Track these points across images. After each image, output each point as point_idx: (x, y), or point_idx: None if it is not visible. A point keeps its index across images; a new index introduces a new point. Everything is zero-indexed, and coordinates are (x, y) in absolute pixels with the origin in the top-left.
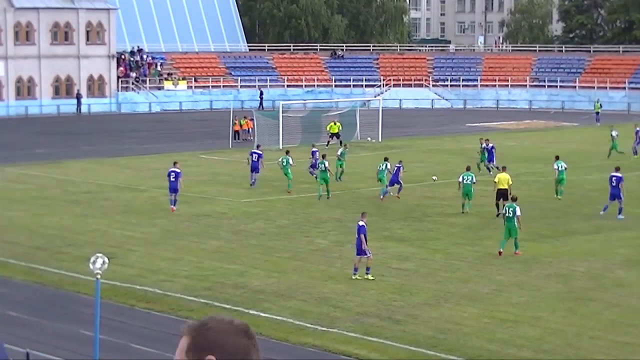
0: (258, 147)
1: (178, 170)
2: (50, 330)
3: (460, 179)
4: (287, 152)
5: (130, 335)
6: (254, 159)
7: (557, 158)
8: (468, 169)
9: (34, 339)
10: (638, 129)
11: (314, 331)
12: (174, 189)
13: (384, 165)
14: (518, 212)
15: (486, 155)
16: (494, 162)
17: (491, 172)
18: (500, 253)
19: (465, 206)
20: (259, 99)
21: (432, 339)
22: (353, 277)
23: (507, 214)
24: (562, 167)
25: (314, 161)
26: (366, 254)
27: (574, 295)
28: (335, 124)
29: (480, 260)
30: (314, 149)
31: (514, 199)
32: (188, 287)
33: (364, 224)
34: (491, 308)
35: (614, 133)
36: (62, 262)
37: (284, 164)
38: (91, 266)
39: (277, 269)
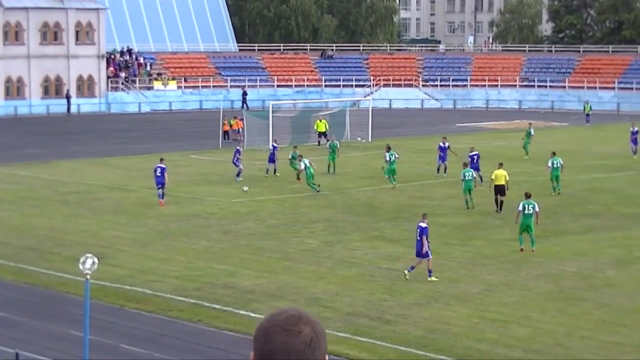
0: (275, 141)
1: (163, 166)
2: (40, 330)
3: (462, 177)
4: (295, 147)
5: (120, 336)
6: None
7: (553, 154)
8: (465, 165)
9: (24, 340)
10: (636, 129)
11: None
12: (160, 183)
13: (392, 155)
14: (537, 209)
15: (440, 155)
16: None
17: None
18: (522, 249)
19: (469, 202)
20: (242, 98)
21: (422, 339)
22: (406, 277)
23: (526, 211)
24: (557, 163)
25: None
26: (427, 256)
27: (564, 295)
28: (321, 121)
29: (470, 261)
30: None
31: (529, 196)
32: (178, 287)
33: (427, 225)
34: (481, 308)
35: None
36: (51, 263)
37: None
38: (81, 266)
39: (267, 269)
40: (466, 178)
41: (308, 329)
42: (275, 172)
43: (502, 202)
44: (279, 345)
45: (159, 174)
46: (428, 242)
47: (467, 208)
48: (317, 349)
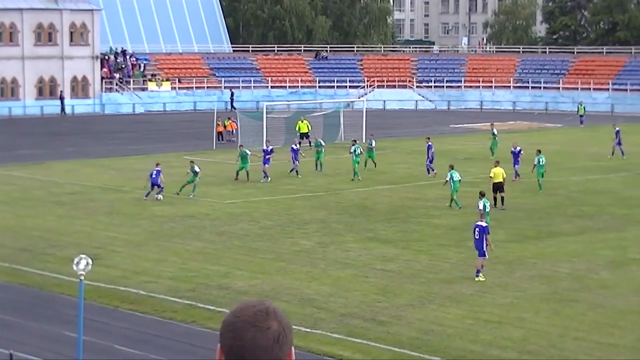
0: (300, 142)
1: (159, 169)
2: (34, 331)
3: (449, 177)
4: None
5: (114, 337)
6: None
7: (538, 152)
8: (452, 167)
9: (17, 340)
10: (617, 129)
11: (298, 332)
12: (154, 183)
13: (357, 148)
14: (488, 208)
15: (428, 155)
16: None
17: (430, 174)
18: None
19: (457, 202)
20: (230, 99)
21: (416, 340)
22: (476, 279)
23: (486, 209)
24: (543, 161)
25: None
26: (484, 256)
27: (558, 297)
28: (302, 122)
29: (464, 262)
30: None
31: (483, 194)
32: (172, 288)
33: (487, 225)
34: (475, 309)
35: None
36: (45, 264)
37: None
38: (75, 267)
39: (260, 270)
40: (454, 179)
41: (276, 325)
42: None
43: (502, 197)
44: (247, 342)
45: (154, 176)
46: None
47: (449, 206)
48: (284, 345)
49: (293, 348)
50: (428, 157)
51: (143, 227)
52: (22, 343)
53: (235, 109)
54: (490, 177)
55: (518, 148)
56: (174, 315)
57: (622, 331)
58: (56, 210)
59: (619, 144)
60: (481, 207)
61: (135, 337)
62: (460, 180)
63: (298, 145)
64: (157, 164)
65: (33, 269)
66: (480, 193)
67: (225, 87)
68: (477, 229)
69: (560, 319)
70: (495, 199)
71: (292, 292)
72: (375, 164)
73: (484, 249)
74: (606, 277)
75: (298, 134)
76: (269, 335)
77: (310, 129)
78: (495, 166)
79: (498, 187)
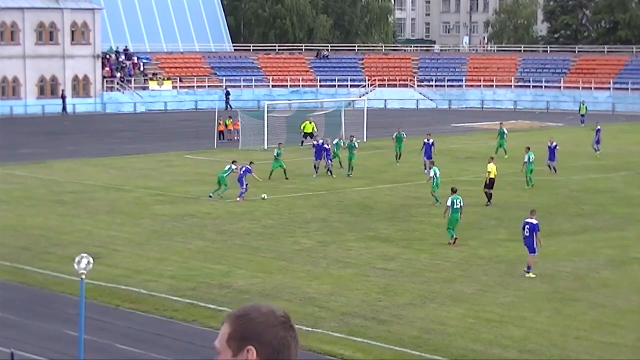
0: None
1: (249, 167)
2: (35, 330)
3: (449, 203)
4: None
5: (115, 336)
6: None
7: (528, 149)
8: (454, 191)
9: (18, 339)
10: (598, 127)
11: (299, 331)
12: (240, 181)
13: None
14: (462, 203)
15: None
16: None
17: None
18: (450, 243)
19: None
20: (225, 98)
21: (417, 339)
22: (526, 276)
23: (455, 206)
24: (532, 158)
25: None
26: (534, 252)
27: (559, 296)
28: (310, 122)
29: (465, 261)
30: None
31: (455, 191)
32: (173, 287)
33: (537, 222)
34: (476, 308)
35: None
36: (47, 262)
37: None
38: (76, 266)
39: (261, 269)
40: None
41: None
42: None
43: (491, 194)
44: (285, 340)
45: (242, 172)
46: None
47: (439, 203)
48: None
49: None
50: (425, 154)
51: (144, 226)
52: (23, 342)
53: (231, 108)
54: (488, 171)
55: (554, 143)
56: (175, 314)
57: (623, 330)
58: (57, 209)
59: (598, 142)
60: (449, 203)
61: (136, 336)
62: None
63: (328, 145)
64: (251, 163)
65: (34, 267)
66: (451, 189)
67: (227, 87)
68: (527, 226)
69: (561, 318)
70: (486, 194)
71: (293, 291)
72: (351, 168)
73: (535, 245)
74: (607, 276)
75: (302, 133)
76: (297, 336)
77: (315, 130)
78: (490, 162)
79: (492, 183)
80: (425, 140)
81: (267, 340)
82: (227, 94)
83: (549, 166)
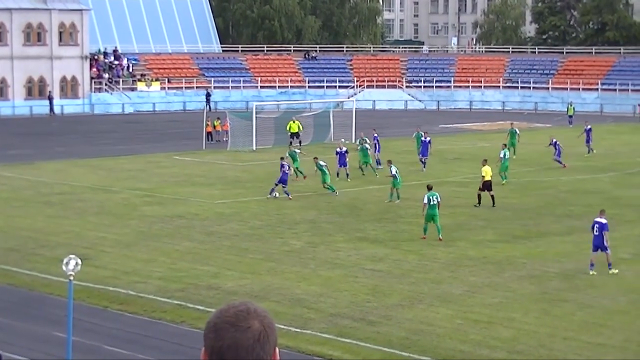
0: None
1: (286, 164)
2: (23, 331)
3: (426, 200)
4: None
5: (103, 337)
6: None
7: (504, 146)
8: (430, 188)
9: (6, 341)
10: (588, 127)
11: (288, 332)
12: (284, 180)
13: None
14: (439, 199)
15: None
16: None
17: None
18: (424, 237)
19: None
20: (206, 99)
21: (406, 340)
22: (590, 273)
23: (431, 202)
24: (507, 155)
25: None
26: (607, 250)
27: (547, 296)
28: (294, 122)
29: (454, 262)
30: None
31: (430, 188)
32: (161, 288)
33: (606, 221)
34: (464, 309)
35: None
36: (35, 264)
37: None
38: (64, 267)
39: (250, 271)
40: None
41: (257, 324)
42: (347, 176)
43: (492, 196)
44: (228, 341)
45: (286, 172)
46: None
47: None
48: (266, 344)
49: (277, 348)
50: (421, 150)
51: (132, 228)
52: (10, 343)
53: (209, 109)
54: (483, 176)
55: (554, 140)
56: (164, 315)
57: (610, 331)
58: (45, 211)
59: (588, 141)
60: (425, 200)
61: (125, 337)
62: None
63: (344, 148)
64: (281, 158)
65: (22, 269)
66: (427, 187)
67: (216, 88)
68: (596, 225)
69: (550, 318)
70: (479, 196)
71: (282, 292)
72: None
73: (605, 243)
74: (595, 277)
75: (288, 133)
76: (248, 335)
77: (301, 129)
78: (484, 165)
79: (488, 185)
80: (423, 139)
81: (207, 342)
82: (208, 95)
83: (558, 161)
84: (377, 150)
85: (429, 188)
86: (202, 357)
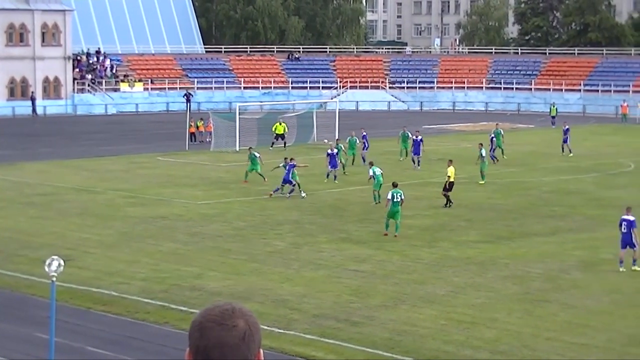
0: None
1: (293, 164)
2: (5, 332)
3: (390, 197)
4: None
5: (86, 338)
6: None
7: (481, 145)
8: (395, 185)
9: None
10: (567, 127)
11: (271, 333)
12: (286, 180)
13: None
14: (403, 197)
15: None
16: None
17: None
18: (386, 234)
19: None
20: (186, 100)
21: (389, 340)
22: (620, 270)
23: (394, 199)
24: (485, 153)
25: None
26: (634, 247)
27: (530, 297)
28: (280, 124)
29: (437, 262)
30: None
31: (396, 185)
32: (145, 289)
33: (634, 218)
34: (448, 310)
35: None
36: (17, 265)
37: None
38: (47, 269)
39: (233, 271)
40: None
41: (242, 323)
42: (335, 178)
43: (448, 196)
44: (213, 340)
45: (287, 171)
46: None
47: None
48: (251, 343)
49: (261, 349)
50: (413, 150)
51: (115, 229)
52: None
53: (189, 110)
54: (448, 176)
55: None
56: (147, 316)
57: (593, 331)
58: (28, 211)
59: (565, 141)
60: (389, 197)
61: (108, 339)
62: (382, 173)
63: (335, 150)
64: (292, 159)
65: (4, 270)
66: (393, 184)
67: (199, 89)
68: (624, 223)
69: (533, 319)
70: (446, 196)
71: (266, 293)
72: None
73: (633, 240)
74: (578, 277)
75: (274, 134)
76: (234, 333)
77: (286, 130)
78: (449, 165)
79: (452, 186)
80: (415, 137)
81: (192, 341)
82: (189, 95)
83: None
84: (365, 149)
85: (394, 185)
86: (186, 357)
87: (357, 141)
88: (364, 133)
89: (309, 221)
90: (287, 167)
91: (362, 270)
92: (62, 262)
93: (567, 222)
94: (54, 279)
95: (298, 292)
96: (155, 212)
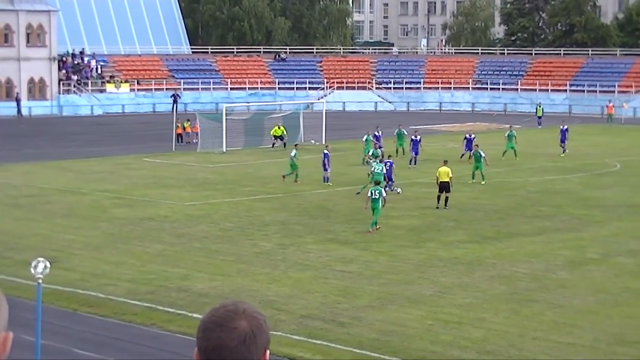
0: (327, 147)
1: (326, 152)
2: None
3: (369, 194)
4: (296, 146)
5: (73, 340)
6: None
7: (477, 147)
8: (377, 183)
9: None
10: (565, 127)
11: None
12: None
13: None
14: (384, 194)
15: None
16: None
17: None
18: (370, 232)
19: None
20: (173, 101)
21: (376, 341)
22: None
23: (373, 196)
24: (480, 154)
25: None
26: None
27: (517, 297)
28: (279, 127)
29: (424, 262)
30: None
31: (378, 183)
32: (131, 290)
33: None
34: (435, 310)
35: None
36: (3, 267)
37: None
38: (32, 270)
39: (220, 272)
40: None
41: (244, 324)
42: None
43: (447, 198)
44: (213, 342)
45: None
46: None
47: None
48: (252, 345)
49: (268, 350)
50: (412, 149)
51: (102, 230)
52: None
53: (175, 111)
54: (437, 176)
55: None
56: (134, 317)
57: (580, 330)
58: (13, 213)
59: (563, 141)
60: (369, 194)
61: (95, 340)
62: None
63: (328, 151)
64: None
65: None
66: (375, 182)
67: (185, 89)
68: None
69: (519, 319)
70: (439, 198)
71: (252, 294)
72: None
73: None
74: (564, 277)
75: (272, 136)
76: (233, 336)
77: (285, 132)
78: (442, 165)
79: (444, 187)
80: (413, 137)
81: (197, 342)
82: (176, 96)
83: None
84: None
85: (376, 183)
86: (194, 357)
87: (405, 132)
88: (377, 133)
89: (296, 222)
90: (386, 164)
91: (349, 271)
92: (48, 264)
93: (554, 222)
94: (40, 280)
95: (285, 292)
96: (142, 213)
